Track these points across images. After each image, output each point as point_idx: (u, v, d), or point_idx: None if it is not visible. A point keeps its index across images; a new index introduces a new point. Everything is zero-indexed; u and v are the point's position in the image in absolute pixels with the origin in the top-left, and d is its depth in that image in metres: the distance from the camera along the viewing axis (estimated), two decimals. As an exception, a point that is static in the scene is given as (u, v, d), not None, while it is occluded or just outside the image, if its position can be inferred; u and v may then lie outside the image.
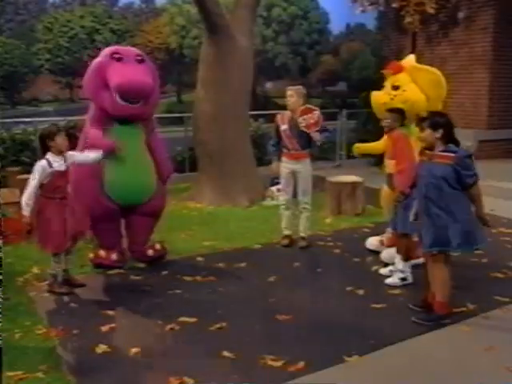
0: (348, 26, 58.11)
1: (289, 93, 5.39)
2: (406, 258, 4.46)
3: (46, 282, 4.42)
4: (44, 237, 4.18)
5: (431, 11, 9.87)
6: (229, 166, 7.58)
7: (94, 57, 4.94)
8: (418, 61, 5.32)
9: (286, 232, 5.70)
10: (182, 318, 3.83)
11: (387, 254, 4.88)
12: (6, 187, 6.61)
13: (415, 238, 4.17)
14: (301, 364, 3.20)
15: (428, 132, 3.67)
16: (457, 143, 3.67)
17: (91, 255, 4.84)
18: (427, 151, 3.72)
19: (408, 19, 10.15)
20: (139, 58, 4.68)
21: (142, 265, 5.01)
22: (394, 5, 10.29)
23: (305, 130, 5.25)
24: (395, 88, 4.87)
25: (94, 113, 4.74)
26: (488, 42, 9.91)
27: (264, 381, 3.06)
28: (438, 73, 4.85)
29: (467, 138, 8.09)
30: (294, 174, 5.46)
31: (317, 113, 5.29)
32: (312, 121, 5.24)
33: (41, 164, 4.12)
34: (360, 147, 5.37)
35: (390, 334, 3.62)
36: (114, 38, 39.48)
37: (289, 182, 5.53)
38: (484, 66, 10.01)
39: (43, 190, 4.15)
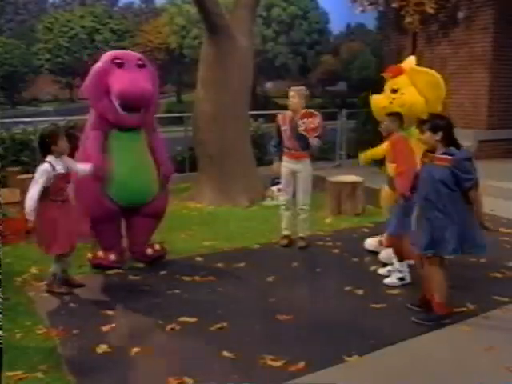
0: (348, 26, 58.15)
1: (291, 94, 5.37)
2: (401, 258, 4.46)
3: (45, 282, 4.42)
4: (48, 239, 4.16)
5: (431, 11, 9.88)
6: (229, 166, 7.58)
7: (94, 56, 4.94)
8: (418, 61, 5.31)
9: (286, 232, 5.70)
10: (182, 318, 3.83)
11: (386, 254, 4.87)
12: (5, 187, 6.62)
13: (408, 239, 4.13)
14: (301, 364, 3.20)
15: (428, 134, 3.66)
16: (457, 146, 3.64)
17: (90, 255, 4.84)
18: (429, 153, 3.71)
19: (408, 19, 10.16)
20: (140, 62, 4.66)
21: (140, 265, 5.01)
22: (394, 5, 10.31)
23: (303, 133, 5.25)
24: (394, 91, 4.87)
25: (95, 118, 4.72)
26: (488, 41, 9.91)
27: (264, 381, 3.07)
28: (436, 74, 4.83)
29: (467, 138, 8.09)
30: (294, 174, 5.46)
31: (318, 119, 5.28)
32: (312, 126, 5.24)
33: (45, 168, 4.10)
34: (367, 155, 5.15)
35: (389, 333, 3.62)
36: (114, 37, 39.54)
37: (289, 182, 5.53)
38: (484, 66, 10.01)
39: (46, 193, 4.12)
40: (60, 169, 4.17)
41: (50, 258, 4.40)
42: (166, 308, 4.08)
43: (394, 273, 4.53)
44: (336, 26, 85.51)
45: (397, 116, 4.51)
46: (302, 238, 5.62)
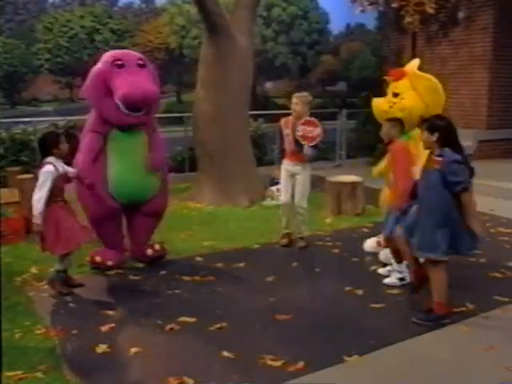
0: (348, 26, 58.14)
1: (294, 100, 5.37)
2: (399, 259, 4.45)
3: (45, 282, 4.42)
4: (53, 240, 4.16)
5: (431, 11, 9.88)
6: (229, 166, 7.58)
7: (93, 56, 4.92)
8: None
9: (286, 230, 5.70)
10: (182, 318, 3.83)
11: (385, 254, 4.87)
12: (5, 187, 6.61)
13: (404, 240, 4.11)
14: (301, 364, 3.20)
15: (425, 135, 3.66)
16: (458, 147, 3.60)
17: (90, 255, 4.84)
18: (432, 156, 3.69)
19: (408, 19, 10.16)
20: (140, 62, 4.62)
21: (140, 265, 5.01)
22: (394, 5, 10.31)
23: (299, 139, 5.26)
24: (395, 95, 4.86)
25: (94, 119, 4.70)
26: (488, 41, 9.92)
27: (264, 381, 3.07)
28: (434, 79, 4.81)
29: (467, 138, 8.09)
30: (292, 177, 5.48)
31: (318, 130, 5.27)
32: (310, 134, 5.24)
33: (49, 170, 4.11)
34: (380, 169, 4.90)
35: (389, 333, 3.62)
36: (114, 37, 39.51)
37: (288, 184, 5.54)
38: (484, 66, 10.02)
39: (48, 195, 4.13)
40: (61, 170, 4.21)
41: (51, 258, 4.41)
42: (165, 308, 4.08)
43: (393, 273, 4.53)
44: (336, 26, 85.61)
45: (397, 121, 4.49)
46: (301, 238, 5.63)
